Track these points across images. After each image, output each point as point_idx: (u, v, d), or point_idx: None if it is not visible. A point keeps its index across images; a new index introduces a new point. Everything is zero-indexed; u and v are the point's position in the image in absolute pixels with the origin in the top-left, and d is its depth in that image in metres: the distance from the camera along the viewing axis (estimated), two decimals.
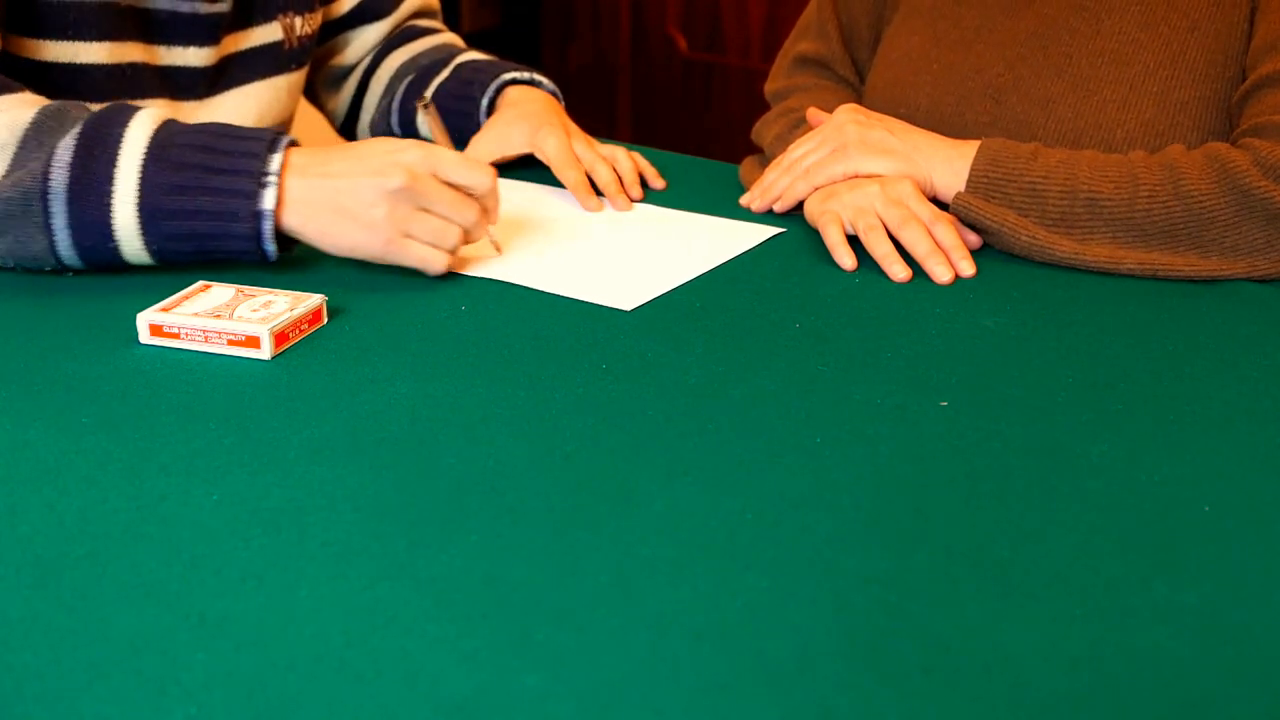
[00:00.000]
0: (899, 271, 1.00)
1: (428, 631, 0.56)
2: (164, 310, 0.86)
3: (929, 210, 1.04)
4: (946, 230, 1.02)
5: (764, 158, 1.28)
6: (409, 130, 1.37)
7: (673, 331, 0.90)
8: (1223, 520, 0.67)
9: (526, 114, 1.26)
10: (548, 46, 3.43)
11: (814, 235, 1.08)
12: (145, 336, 0.86)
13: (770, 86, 1.37)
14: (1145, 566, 0.62)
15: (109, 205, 0.90)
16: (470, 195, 0.96)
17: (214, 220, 0.91)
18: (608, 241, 1.09)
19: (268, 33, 1.20)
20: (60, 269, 0.94)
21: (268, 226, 0.92)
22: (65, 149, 0.89)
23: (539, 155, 1.25)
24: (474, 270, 1.00)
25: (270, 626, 0.56)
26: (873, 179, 1.07)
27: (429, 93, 1.33)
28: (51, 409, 0.77)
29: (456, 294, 0.96)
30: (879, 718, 0.52)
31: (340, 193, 0.92)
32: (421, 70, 1.36)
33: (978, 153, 1.04)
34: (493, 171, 0.97)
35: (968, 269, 1.01)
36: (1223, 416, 0.78)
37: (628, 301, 0.95)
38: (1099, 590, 0.60)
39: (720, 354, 0.86)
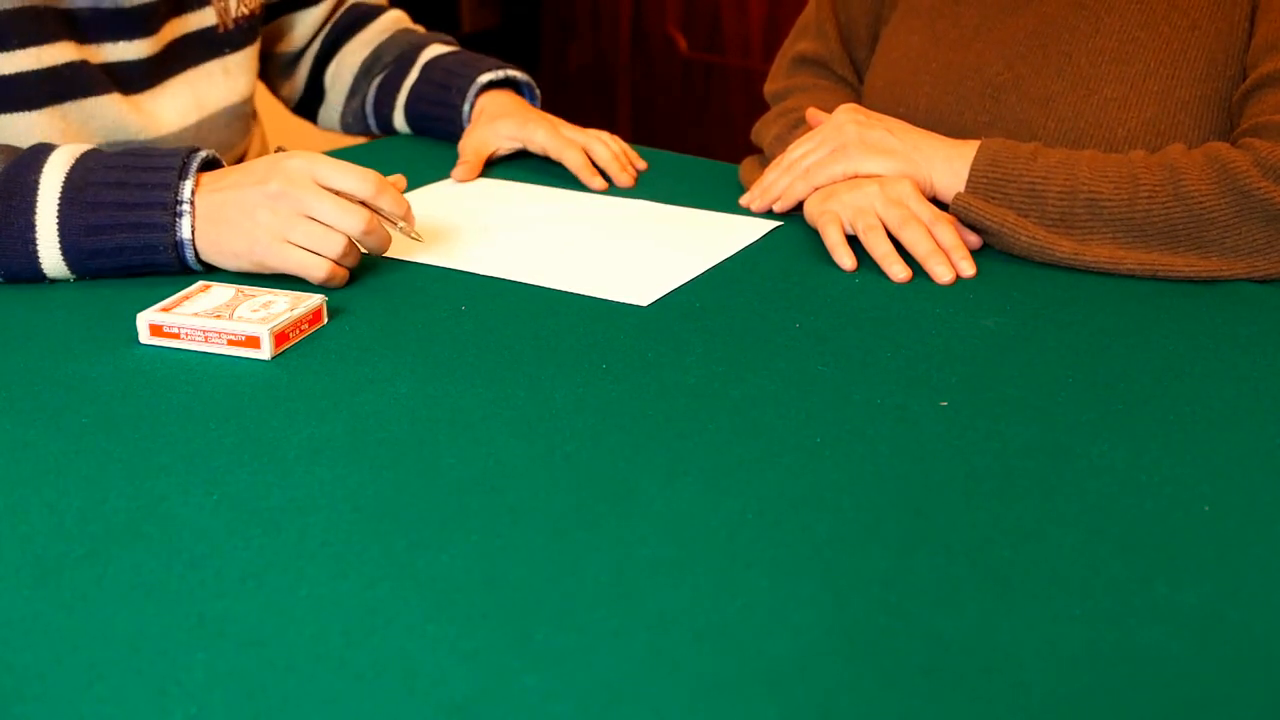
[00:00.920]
0: (899, 271, 1.00)
1: (428, 631, 0.56)
2: (164, 310, 0.86)
3: (929, 210, 1.04)
4: (947, 230, 1.02)
5: (764, 158, 1.28)
6: (387, 130, 1.39)
7: (673, 331, 0.90)
8: (1223, 520, 0.67)
9: (508, 111, 1.30)
10: (548, 46, 3.43)
11: (813, 235, 1.08)
12: (145, 336, 0.86)
13: (769, 87, 1.37)
14: (1145, 566, 0.62)
15: (35, 253, 0.93)
16: (355, 201, 0.95)
17: (137, 254, 0.93)
18: (611, 238, 1.09)
19: (203, 18, 1.20)
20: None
21: (189, 254, 0.94)
22: None
23: (530, 147, 1.27)
24: (481, 269, 1.01)
25: (270, 626, 0.56)
26: (872, 179, 1.07)
27: (402, 97, 1.36)
28: (51, 409, 0.77)
29: (456, 294, 0.96)
30: (879, 718, 0.52)
31: (226, 204, 0.93)
32: (388, 69, 1.39)
33: (977, 153, 1.04)
34: (374, 175, 0.96)
35: (968, 269, 1.01)
36: (1223, 416, 0.78)
37: (643, 297, 0.95)
38: (1099, 590, 0.60)
39: (720, 354, 0.86)
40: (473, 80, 1.33)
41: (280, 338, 0.85)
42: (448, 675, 0.53)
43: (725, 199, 1.20)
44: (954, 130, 1.16)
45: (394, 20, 1.45)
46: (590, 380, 0.82)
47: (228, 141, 1.25)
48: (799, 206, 1.13)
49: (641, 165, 1.30)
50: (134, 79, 1.12)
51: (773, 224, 1.13)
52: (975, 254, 1.03)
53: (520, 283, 0.98)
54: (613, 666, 0.54)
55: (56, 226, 0.92)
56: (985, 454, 0.73)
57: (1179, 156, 1.00)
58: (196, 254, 0.94)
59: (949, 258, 1.01)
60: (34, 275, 0.94)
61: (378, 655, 0.55)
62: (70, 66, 1.06)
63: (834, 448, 0.73)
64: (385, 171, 1.01)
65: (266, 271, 0.95)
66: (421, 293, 0.96)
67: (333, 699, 0.52)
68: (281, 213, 0.93)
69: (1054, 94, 1.12)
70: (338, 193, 0.94)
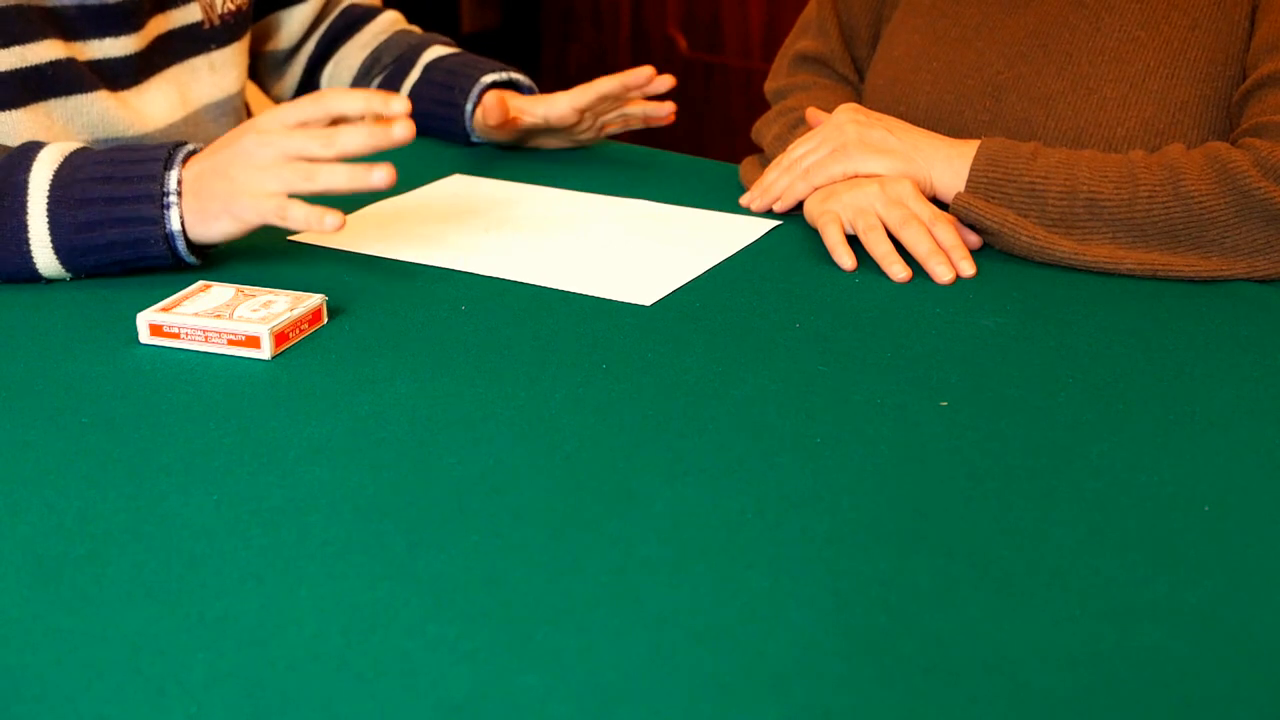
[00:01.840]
0: (899, 271, 1.00)
1: (428, 631, 0.56)
2: (164, 310, 0.86)
3: (929, 210, 1.04)
4: (947, 230, 1.02)
5: (764, 157, 1.28)
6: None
7: (673, 331, 0.90)
8: (1223, 520, 0.67)
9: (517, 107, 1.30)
10: (548, 46, 3.43)
11: (813, 235, 1.08)
12: (145, 336, 0.86)
13: (770, 85, 1.37)
14: (1145, 566, 0.62)
15: (29, 253, 0.93)
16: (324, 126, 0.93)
17: (129, 248, 0.93)
18: (612, 238, 1.09)
19: (187, 14, 1.19)
20: None
21: (181, 245, 0.93)
22: None
23: (556, 111, 1.29)
24: (481, 269, 1.01)
25: (270, 626, 0.56)
26: (872, 179, 1.07)
27: (403, 94, 1.34)
28: (51, 409, 0.77)
29: (456, 294, 0.96)
30: (879, 718, 0.52)
31: (204, 174, 0.92)
32: (387, 70, 1.38)
33: (977, 153, 1.04)
34: (325, 94, 0.92)
35: (968, 269, 1.01)
36: (1223, 416, 0.78)
37: (646, 296, 0.95)
38: (1099, 590, 0.60)
39: (720, 354, 0.86)
40: (476, 80, 1.33)
41: (280, 338, 0.85)
42: (448, 675, 0.53)
43: (725, 199, 1.20)
44: (954, 129, 1.16)
45: (391, 21, 1.45)
46: (590, 380, 0.82)
47: (217, 136, 1.24)
48: (799, 206, 1.13)
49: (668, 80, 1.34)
50: (120, 75, 1.12)
51: (772, 223, 1.13)
52: (975, 254, 1.03)
53: (520, 282, 0.98)
54: (613, 666, 0.54)
55: (47, 225, 0.92)
56: (985, 454, 0.73)
57: (1179, 156, 1.00)
58: (189, 245, 0.94)
59: (949, 257, 1.01)
60: (30, 276, 0.94)
61: (378, 655, 0.55)
62: (55, 64, 1.06)
63: (834, 448, 0.73)
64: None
65: (251, 227, 0.92)
66: (421, 293, 0.96)
67: (333, 699, 0.52)
68: (255, 163, 0.90)
69: (1054, 93, 1.12)
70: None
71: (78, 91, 1.08)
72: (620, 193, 1.23)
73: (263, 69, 1.42)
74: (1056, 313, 0.94)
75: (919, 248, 1.01)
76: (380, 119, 0.92)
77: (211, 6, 1.21)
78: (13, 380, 0.80)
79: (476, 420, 0.76)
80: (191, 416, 0.76)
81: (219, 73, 1.24)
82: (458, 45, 1.44)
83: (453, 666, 0.54)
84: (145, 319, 0.86)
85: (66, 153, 0.95)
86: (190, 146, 0.95)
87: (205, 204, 0.92)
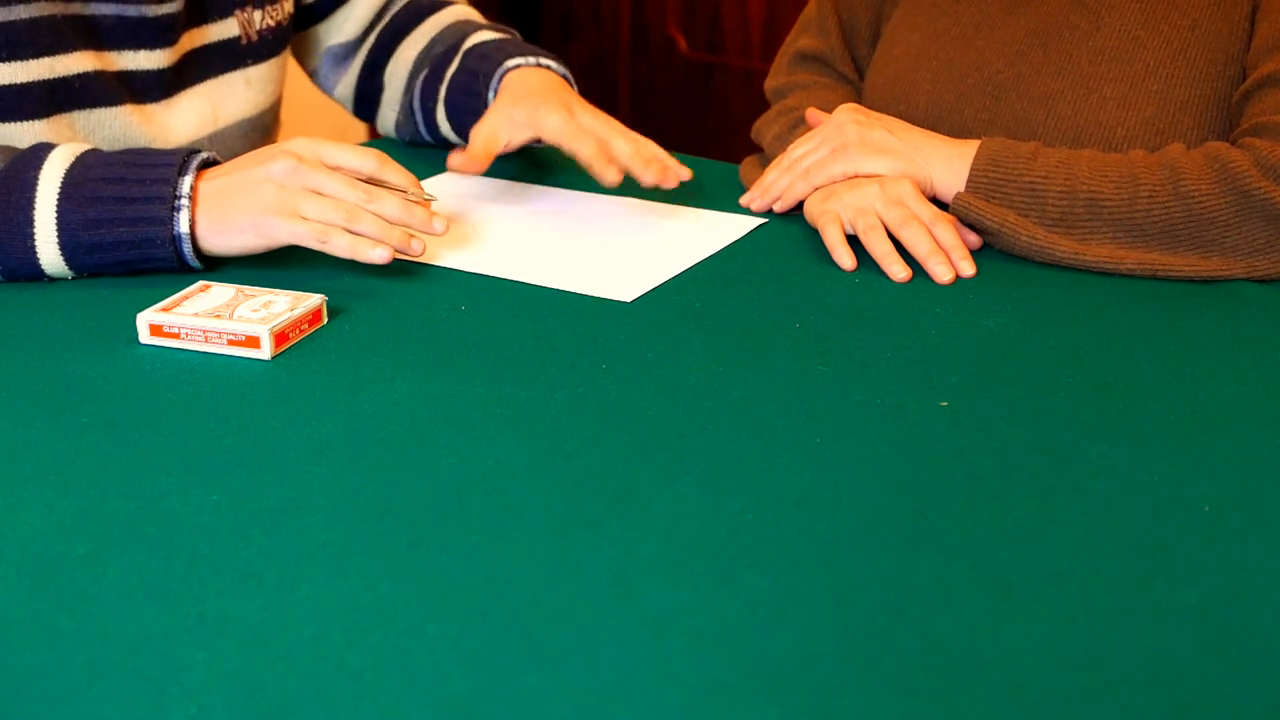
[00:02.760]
0: (899, 271, 1.00)
1: (428, 631, 0.56)
2: (164, 310, 0.86)
3: (929, 210, 1.04)
4: (947, 230, 1.02)
5: (764, 157, 1.28)
6: (433, 132, 1.31)
7: (673, 331, 0.90)
8: (1223, 520, 0.67)
9: (524, 94, 1.17)
10: (548, 46, 3.43)
11: (813, 235, 1.08)
12: (145, 336, 0.86)
13: (770, 83, 1.37)
14: (1145, 566, 0.62)
15: (33, 248, 0.93)
16: (359, 178, 0.96)
17: (134, 248, 0.93)
18: (595, 235, 1.09)
19: (225, 29, 1.18)
20: None
21: (187, 249, 0.94)
22: None
23: (544, 136, 1.14)
24: (467, 266, 1.01)
25: (270, 626, 0.56)
26: (872, 179, 1.07)
27: (443, 90, 1.28)
28: (51, 409, 0.77)
29: (456, 294, 0.96)
30: (879, 718, 0.52)
31: (230, 188, 0.94)
32: (435, 63, 1.30)
33: (977, 153, 1.04)
34: (376, 151, 0.97)
35: (968, 269, 1.01)
36: (1223, 416, 0.78)
37: (627, 293, 0.95)
38: (1099, 590, 0.60)
39: (720, 354, 0.86)
40: (499, 65, 1.23)
41: (280, 338, 0.85)
42: (448, 675, 0.53)
43: (725, 199, 1.20)
44: (954, 128, 1.16)
45: (456, 11, 1.37)
46: (590, 380, 0.82)
47: (243, 153, 1.23)
48: (799, 206, 1.13)
49: (685, 174, 1.13)
50: (149, 89, 1.12)
51: (758, 220, 1.13)
52: (975, 254, 1.03)
53: (518, 282, 0.98)
54: (613, 666, 0.54)
55: (55, 221, 0.92)
56: (985, 454, 0.73)
57: (1179, 156, 1.00)
58: (195, 249, 0.94)
59: (949, 257, 1.01)
60: (33, 272, 0.94)
61: (378, 655, 0.55)
62: (82, 77, 1.06)
63: (834, 448, 0.73)
64: None
65: (277, 244, 0.94)
66: (421, 293, 0.96)
67: (333, 699, 0.52)
68: (290, 188, 0.93)
69: (1054, 92, 1.12)
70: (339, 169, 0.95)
71: (102, 105, 1.08)
72: (619, 192, 1.23)
73: (322, 69, 1.38)
74: (1056, 313, 0.94)
75: (919, 248, 1.01)
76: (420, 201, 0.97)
77: (250, 22, 1.20)
78: (13, 380, 0.80)
79: (476, 420, 0.76)
80: (191, 416, 0.76)
81: (254, 88, 1.23)
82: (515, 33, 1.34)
83: (453, 666, 0.54)
84: (145, 319, 0.86)
85: (79, 153, 0.95)
86: (205, 155, 0.96)
87: (229, 215, 0.93)
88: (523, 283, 0.98)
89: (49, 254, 0.93)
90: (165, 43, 1.11)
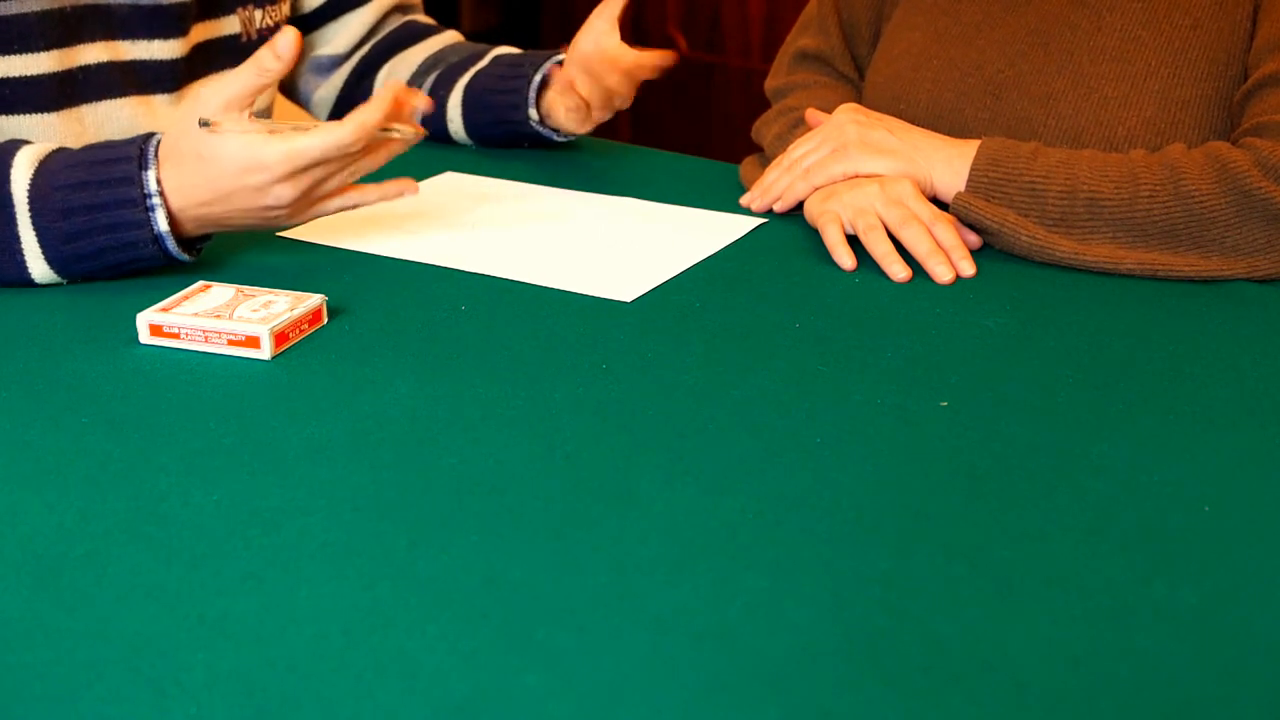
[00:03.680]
0: (899, 271, 1.00)
1: (428, 631, 0.56)
2: (164, 310, 0.86)
3: (929, 210, 1.04)
4: (947, 230, 1.02)
5: (764, 157, 1.28)
6: (437, 128, 1.35)
7: (673, 331, 0.90)
8: (1223, 520, 0.67)
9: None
10: (548, 46, 3.43)
11: (812, 235, 1.08)
12: (145, 336, 0.86)
13: (770, 83, 1.37)
14: (1145, 566, 0.62)
15: (24, 264, 0.92)
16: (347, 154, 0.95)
17: (120, 253, 0.93)
18: (595, 235, 1.09)
19: (229, 25, 1.19)
20: None
21: (171, 245, 0.93)
22: None
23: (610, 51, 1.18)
24: (467, 266, 1.01)
25: (270, 626, 0.56)
26: (872, 179, 1.07)
27: (464, 79, 1.32)
28: (51, 409, 0.77)
29: (456, 294, 0.96)
30: (879, 718, 0.52)
31: (230, 218, 0.94)
32: (449, 64, 1.35)
33: (978, 152, 1.04)
34: (346, 124, 0.93)
35: (968, 269, 1.01)
36: (1223, 416, 0.78)
37: (627, 293, 0.95)
38: (1099, 590, 0.60)
39: (720, 354, 0.86)
40: (548, 57, 1.29)
41: (280, 338, 0.85)
42: (448, 675, 0.53)
43: (725, 199, 1.20)
44: (954, 127, 1.16)
45: (455, 35, 1.43)
46: (590, 380, 0.82)
47: None
48: (799, 206, 1.13)
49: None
50: (159, 80, 1.12)
51: (758, 220, 1.13)
52: (975, 254, 1.03)
53: (518, 282, 0.98)
54: (613, 666, 0.54)
55: (36, 240, 0.91)
56: (985, 454, 0.73)
57: (1179, 156, 1.00)
58: (179, 243, 0.93)
59: (949, 257, 1.01)
60: (28, 286, 0.94)
61: (378, 655, 0.55)
62: (89, 69, 1.06)
63: (834, 448, 0.73)
64: (382, 176, 1.01)
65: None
66: (421, 293, 0.96)
67: (333, 699, 0.52)
68: (298, 209, 0.95)
69: (1055, 92, 1.12)
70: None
71: (110, 96, 1.08)
72: (619, 192, 1.23)
73: (300, 73, 1.39)
74: (1056, 313, 0.94)
75: (919, 248, 1.01)
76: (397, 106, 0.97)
77: (250, 20, 1.20)
78: (13, 380, 0.80)
79: (476, 420, 0.76)
80: (191, 416, 0.76)
81: None
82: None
83: (453, 666, 0.54)
84: (145, 319, 0.86)
85: (40, 159, 0.93)
86: (158, 137, 0.93)
87: (224, 225, 0.95)
88: (523, 283, 0.98)
89: (39, 268, 0.93)
90: (178, 32, 1.12)
